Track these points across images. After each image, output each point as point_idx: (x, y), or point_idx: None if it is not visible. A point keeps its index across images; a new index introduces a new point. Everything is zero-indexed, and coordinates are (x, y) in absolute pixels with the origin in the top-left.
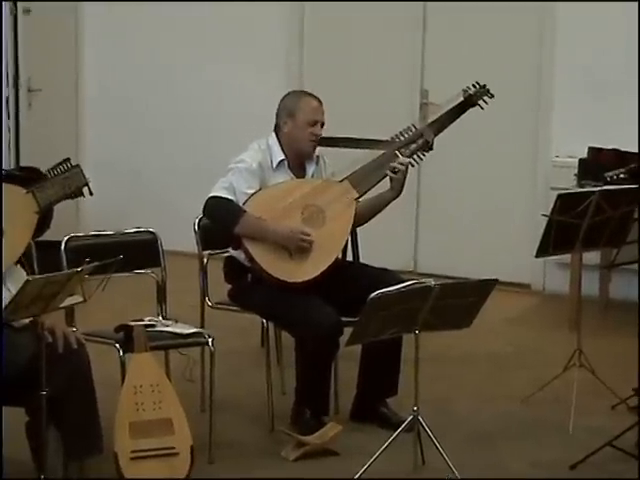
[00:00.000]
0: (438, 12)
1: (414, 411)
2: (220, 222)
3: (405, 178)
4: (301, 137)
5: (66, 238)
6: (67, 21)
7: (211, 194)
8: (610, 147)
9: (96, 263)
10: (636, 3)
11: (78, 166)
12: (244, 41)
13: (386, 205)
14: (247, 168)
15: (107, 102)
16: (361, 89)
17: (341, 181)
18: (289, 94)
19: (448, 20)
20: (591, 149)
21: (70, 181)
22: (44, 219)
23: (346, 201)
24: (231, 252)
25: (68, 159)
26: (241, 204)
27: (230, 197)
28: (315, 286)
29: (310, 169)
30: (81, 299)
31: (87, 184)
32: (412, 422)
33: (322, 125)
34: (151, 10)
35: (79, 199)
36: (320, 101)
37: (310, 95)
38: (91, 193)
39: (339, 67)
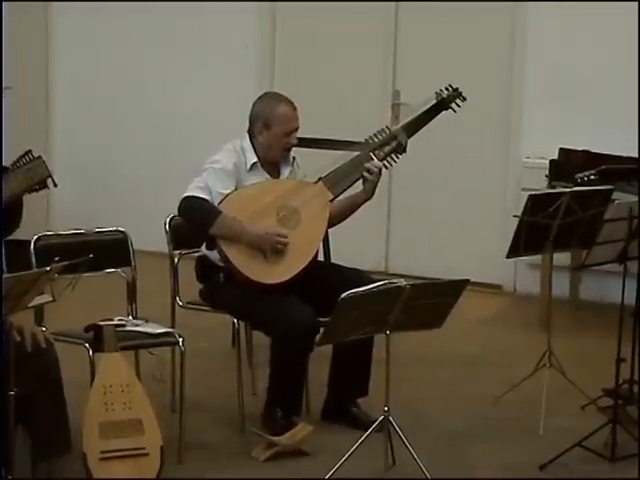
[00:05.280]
0: (410, 13)
1: (385, 411)
2: (195, 222)
3: (378, 181)
4: (276, 147)
5: (35, 237)
6: (37, 19)
7: (186, 194)
8: (581, 148)
9: (65, 262)
10: (604, 7)
11: (40, 157)
12: (214, 41)
13: (358, 207)
14: (223, 168)
15: (77, 101)
16: (332, 89)
17: (316, 182)
18: (262, 99)
19: (420, 21)
20: (562, 150)
21: (33, 173)
22: (13, 217)
23: (321, 202)
24: (203, 251)
25: (30, 151)
26: (216, 204)
27: (205, 197)
28: (288, 286)
29: (285, 170)
30: (50, 298)
31: (50, 175)
32: (383, 422)
33: (296, 130)
34: (122, 12)
35: (48, 198)
36: (294, 106)
37: (285, 102)
38: (55, 184)
39: (310, 66)
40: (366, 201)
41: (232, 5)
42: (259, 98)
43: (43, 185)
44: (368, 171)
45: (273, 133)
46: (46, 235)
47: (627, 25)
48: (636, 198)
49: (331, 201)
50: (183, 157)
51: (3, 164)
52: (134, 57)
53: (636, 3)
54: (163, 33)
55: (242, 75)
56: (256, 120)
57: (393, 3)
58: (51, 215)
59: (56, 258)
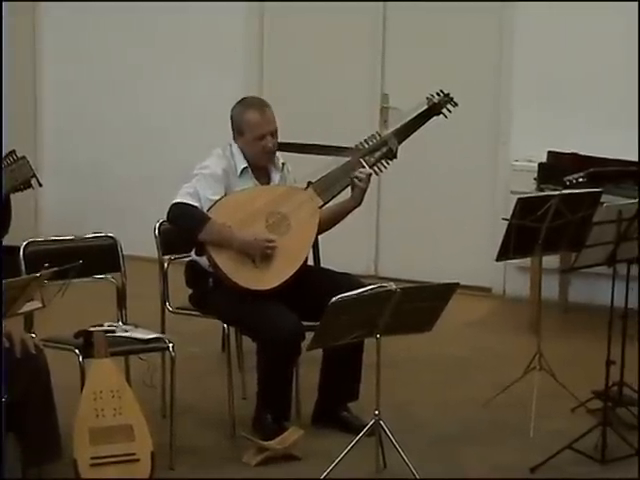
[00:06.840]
0: (398, 16)
1: (375, 415)
2: (184, 228)
3: (366, 188)
4: (254, 152)
5: (25, 243)
6: (25, 19)
7: (175, 200)
8: (569, 151)
9: (55, 268)
10: (593, 8)
11: (24, 157)
12: (202, 41)
13: (347, 214)
14: (212, 174)
15: (66, 102)
16: (321, 94)
17: (306, 188)
18: (237, 105)
19: (408, 25)
20: (550, 153)
21: (17, 173)
22: (2, 221)
23: (310, 209)
24: (193, 256)
25: (13, 151)
26: (206, 210)
27: (194, 203)
28: (277, 291)
29: (276, 176)
30: (40, 305)
31: (35, 175)
32: (374, 426)
33: (274, 133)
34: (110, 12)
35: (37, 200)
36: (265, 110)
37: (254, 107)
38: (40, 184)
39: (299, 69)
40: (355, 208)
41: (220, 5)
42: (237, 103)
43: (27, 185)
44: (356, 178)
45: (246, 139)
46: (35, 241)
47: (617, 25)
48: (625, 201)
49: (321, 207)
50: (174, 162)
51: None
52: (123, 58)
53: (629, 3)
54: (152, 33)
55: (230, 76)
56: (233, 127)
57: (381, 3)
58: (40, 221)
59: (46, 264)
